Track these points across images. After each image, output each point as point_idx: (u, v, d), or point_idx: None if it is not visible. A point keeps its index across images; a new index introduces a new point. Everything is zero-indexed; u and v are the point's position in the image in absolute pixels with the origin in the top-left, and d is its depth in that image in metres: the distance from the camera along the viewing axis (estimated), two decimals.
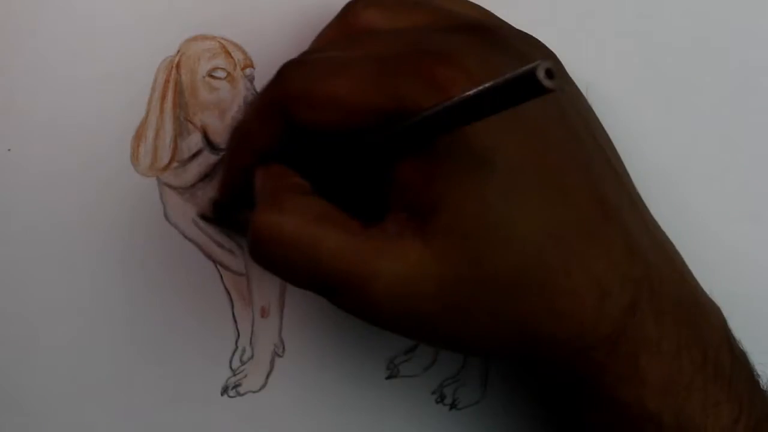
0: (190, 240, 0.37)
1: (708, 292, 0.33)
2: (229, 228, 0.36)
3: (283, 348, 0.37)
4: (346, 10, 0.32)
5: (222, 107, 0.36)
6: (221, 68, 0.36)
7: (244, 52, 0.37)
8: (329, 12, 0.37)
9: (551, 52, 0.33)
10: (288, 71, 0.30)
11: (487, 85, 0.23)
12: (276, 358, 0.37)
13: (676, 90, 0.37)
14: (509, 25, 0.34)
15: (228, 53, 0.37)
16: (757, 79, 0.37)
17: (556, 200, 0.28)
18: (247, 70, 0.37)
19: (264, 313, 0.37)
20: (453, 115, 0.25)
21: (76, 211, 0.36)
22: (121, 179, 0.36)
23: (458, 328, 0.29)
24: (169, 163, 0.36)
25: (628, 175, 0.33)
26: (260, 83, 0.37)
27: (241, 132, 0.34)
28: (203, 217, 0.36)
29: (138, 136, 0.36)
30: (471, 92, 0.24)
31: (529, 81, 0.22)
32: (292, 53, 0.36)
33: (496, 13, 0.34)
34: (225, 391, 0.37)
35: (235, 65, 0.37)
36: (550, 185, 0.28)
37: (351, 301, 0.28)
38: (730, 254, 0.37)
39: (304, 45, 0.36)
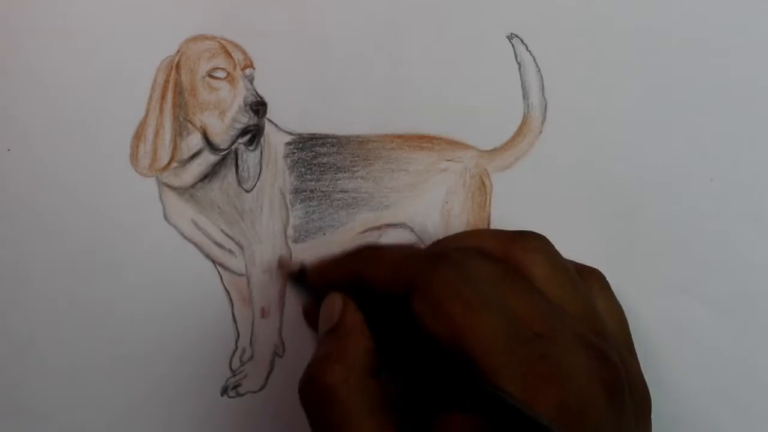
0: (190, 240, 0.37)
1: (707, 293, 0.33)
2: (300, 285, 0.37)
3: (283, 348, 0.37)
4: (518, 237, 0.32)
5: (222, 107, 0.36)
6: (221, 68, 0.36)
7: (244, 52, 0.37)
8: (329, 12, 0.37)
9: (649, 418, 0.33)
10: (447, 266, 0.30)
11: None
12: (276, 358, 0.37)
13: (676, 90, 0.37)
14: (634, 360, 0.34)
15: (228, 53, 0.37)
16: (758, 79, 0.37)
17: None
18: (247, 70, 0.37)
19: (264, 313, 0.37)
20: (520, 421, 0.26)
21: (76, 211, 0.36)
22: (121, 179, 0.36)
23: None
24: (169, 163, 0.36)
25: None
26: (260, 83, 0.37)
27: (370, 256, 0.33)
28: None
29: (138, 136, 0.36)
30: (549, 426, 0.25)
31: None
32: (292, 53, 0.37)
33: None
34: (225, 391, 0.37)
35: (235, 65, 0.37)
36: None
37: None
38: (730, 254, 0.36)
39: (304, 45, 0.36)
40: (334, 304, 0.32)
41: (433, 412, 0.29)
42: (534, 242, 0.32)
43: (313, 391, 0.30)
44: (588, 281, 0.34)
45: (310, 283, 0.35)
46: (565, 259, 0.33)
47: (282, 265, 0.37)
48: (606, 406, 0.29)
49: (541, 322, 0.29)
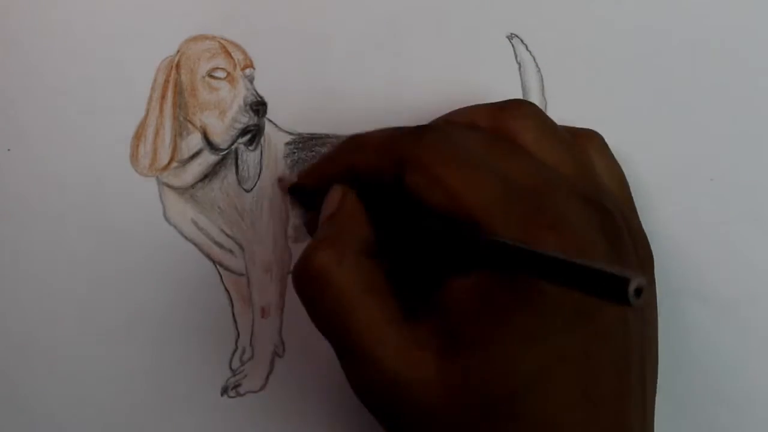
0: (190, 240, 0.37)
1: (707, 293, 0.33)
2: (300, 202, 0.36)
3: (283, 348, 0.37)
4: (505, 106, 0.32)
5: (222, 107, 0.36)
6: (221, 68, 0.36)
7: (244, 52, 0.37)
8: (329, 12, 0.37)
9: (653, 270, 0.33)
10: (431, 134, 0.30)
11: (577, 261, 0.24)
12: (276, 358, 0.37)
13: (676, 90, 0.37)
14: (636, 217, 0.34)
15: (228, 53, 0.37)
16: (758, 79, 0.37)
17: (581, 401, 0.28)
18: (247, 70, 0.37)
19: (264, 313, 0.37)
20: (530, 262, 0.26)
21: (76, 211, 0.36)
22: (121, 179, 0.36)
23: None
24: (169, 163, 0.36)
25: (653, 406, 0.33)
26: (260, 83, 0.37)
27: (356, 144, 0.33)
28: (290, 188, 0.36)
29: (138, 136, 0.36)
30: (558, 256, 0.24)
31: (618, 287, 0.22)
32: (292, 53, 0.37)
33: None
34: (225, 391, 0.37)
35: (235, 65, 0.37)
36: (580, 384, 0.28)
37: (351, 371, 0.30)
38: (730, 254, 0.36)
39: (304, 45, 0.36)
40: (334, 194, 0.32)
41: (437, 284, 0.29)
42: (522, 108, 0.32)
43: (306, 275, 0.29)
44: (584, 143, 0.33)
45: (308, 188, 0.35)
46: (556, 124, 0.33)
47: (281, 179, 0.36)
48: (608, 254, 0.29)
49: (535, 179, 0.29)
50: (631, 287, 0.21)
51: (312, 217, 0.35)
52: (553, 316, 0.27)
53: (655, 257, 0.34)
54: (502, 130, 0.31)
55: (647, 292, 0.22)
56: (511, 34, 0.37)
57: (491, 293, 0.28)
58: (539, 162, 0.30)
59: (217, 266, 0.37)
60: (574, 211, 0.29)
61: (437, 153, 0.29)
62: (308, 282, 0.29)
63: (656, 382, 0.32)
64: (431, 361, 0.28)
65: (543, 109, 0.37)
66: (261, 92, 0.37)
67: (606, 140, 0.35)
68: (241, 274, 0.37)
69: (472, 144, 0.30)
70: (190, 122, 0.36)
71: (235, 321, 0.37)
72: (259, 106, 0.36)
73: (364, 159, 0.32)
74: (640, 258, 0.31)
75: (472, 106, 0.33)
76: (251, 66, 0.37)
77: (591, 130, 0.35)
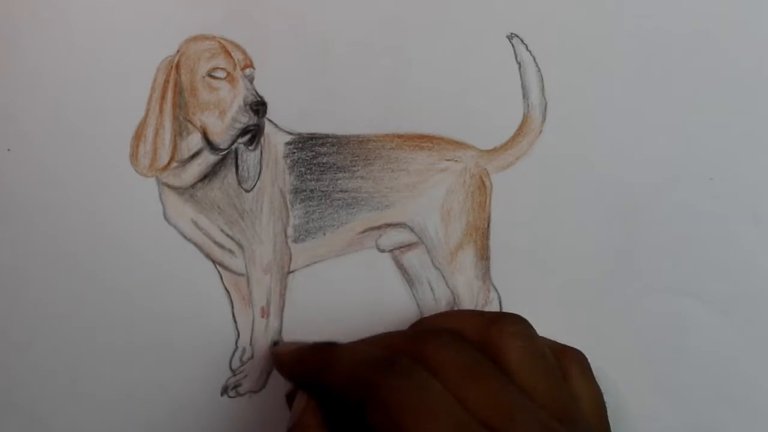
0: (190, 240, 0.37)
1: (707, 293, 0.33)
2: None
3: None
4: (499, 319, 0.33)
5: (222, 107, 0.36)
6: (221, 68, 0.36)
7: (244, 52, 0.37)
8: (329, 12, 0.37)
9: None
10: (395, 376, 0.31)
11: None
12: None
13: (677, 90, 0.37)
14: None
15: (228, 53, 0.37)
16: (758, 79, 0.37)
17: None
18: (247, 70, 0.37)
19: (264, 313, 0.37)
20: None
21: (76, 211, 0.36)
22: (121, 179, 0.36)
23: None
24: (169, 163, 0.36)
25: None
26: (260, 83, 0.37)
27: (327, 358, 0.34)
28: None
29: (137, 136, 0.36)
30: None
31: None
32: (292, 53, 0.37)
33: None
34: (225, 391, 0.37)
35: (235, 65, 0.37)
36: None
37: None
38: (730, 254, 0.36)
39: (304, 45, 0.36)
40: (297, 405, 0.33)
41: None
42: (512, 326, 0.33)
43: None
44: (566, 364, 0.34)
45: (280, 369, 0.36)
46: (545, 342, 0.34)
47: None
48: None
49: (501, 414, 0.30)
50: None
51: (292, 390, 0.36)
52: None
53: (654, 257, 0.34)
54: (490, 347, 0.32)
55: None
56: (511, 34, 0.37)
57: None
58: (512, 393, 0.31)
59: (217, 266, 0.37)
60: None
61: (397, 394, 0.30)
62: None
63: None
64: None
65: (543, 110, 0.37)
66: (261, 92, 0.37)
67: (606, 140, 0.35)
68: (241, 274, 0.37)
69: (443, 371, 0.31)
70: (190, 122, 0.36)
71: (235, 321, 0.37)
72: (259, 106, 0.36)
73: (331, 380, 0.32)
74: None
75: (465, 312, 0.35)
76: (251, 66, 0.37)
77: (576, 350, 0.35)
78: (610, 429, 0.35)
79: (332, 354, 0.34)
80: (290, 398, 0.35)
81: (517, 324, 0.33)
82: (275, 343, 0.37)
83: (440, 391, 0.31)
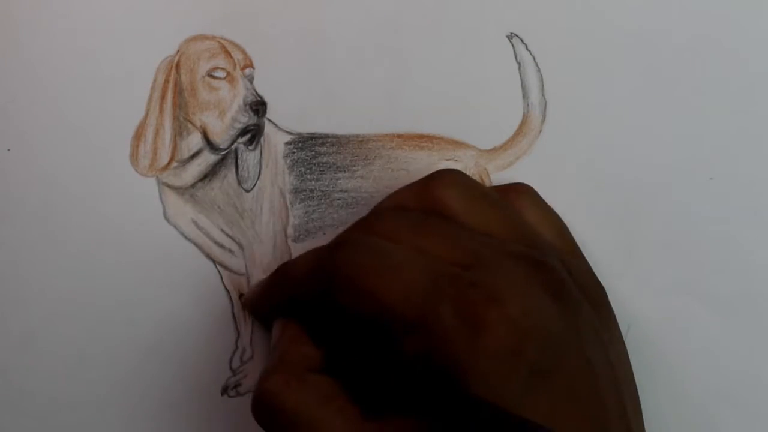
0: (190, 240, 0.37)
1: (707, 293, 0.33)
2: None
3: None
4: (430, 179, 0.33)
5: (222, 107, 0.36)
6: (221, 68, 0.36)
7: (243, 52, 0.37)
8: (329, 12, 0.37)
9: (609, 306, 0.34)
10: (348, 249, 0.30)
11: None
12: None
13: (677, 90, 0.37)
14: (581, 261, 0.34)
15: (228, 53, 0.37)
16: (758, 79, 0.37)
17: None
18: (247, 70, 0.37)
19: None
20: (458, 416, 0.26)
21: (76, 211, 0.36)
22: (121, 179, 0.36)
23: None
24: (169, 162, 0.37)
25: (641, 422, 0.33)
26: (260, 83, 0.37)
27: (284, 273, 0.34)
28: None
29: (137, 136, 0.36)
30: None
31: None
32: (292, 53, 0.37)
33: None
34: (225, 391, 0.37)
35: (235, 65, 0.37)
36: None
37: None
38: (730, 254, 0.36)
39: (304, 45, 0.36)
40: (275, 329, 0.33)
41: (393, 388, 0.29)
42: (445, 178, 0.32)
43: (261, 406, 0.30)
44: (514, 199, 0.34)
45: (252, 315, 0.36)
46: (483, 186, 0.33)
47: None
48: (554, 309, 0.29)
49: (464, 254, 0.29)
50: None
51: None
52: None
53: (654, 257, 0.34)
54: (430, 205, 0.32)
55: None
56: (511, 33, 0.37)
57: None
58: (469, 233, 0.31)
59: (217, 266, 0.37)
60: (509, 277, 0.29)
61: (355, 266, 0.30)
62: (264, 412, 0.30)
63: (640, 410, 0.33)
64: None
65: (543, 109, 0.37)
66: (261, 92, 0.37)
67: (606, 140, 0.35)
68: (241, 274, 0.37)
69: (394, 237, 0.30)
70: (190, 122, 0.37)
71: (235, 321, 0.37)
72: (258, 106, 0.36)
73: (295, 285, 0.32)
74: (593, 301, 0.32)
75: (400, 189, 0.33)
76: (251, 66, 0.37)
77: (520, 183, 0.35)
78: (577, 248, 0.34)
79: (286, 268, 0.34)
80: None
81: (449, 175, 0.33)
82: (241, 296, 0.37)
83: (398, 248, 0.30)
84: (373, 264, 0.29)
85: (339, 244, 0.31)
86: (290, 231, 0.37)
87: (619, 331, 0.34)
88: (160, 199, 0.36)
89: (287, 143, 0.37)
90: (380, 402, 0.29)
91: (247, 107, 0.36)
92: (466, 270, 0.29)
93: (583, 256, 0.35)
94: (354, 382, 0.30)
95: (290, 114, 0.37)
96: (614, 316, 0.34)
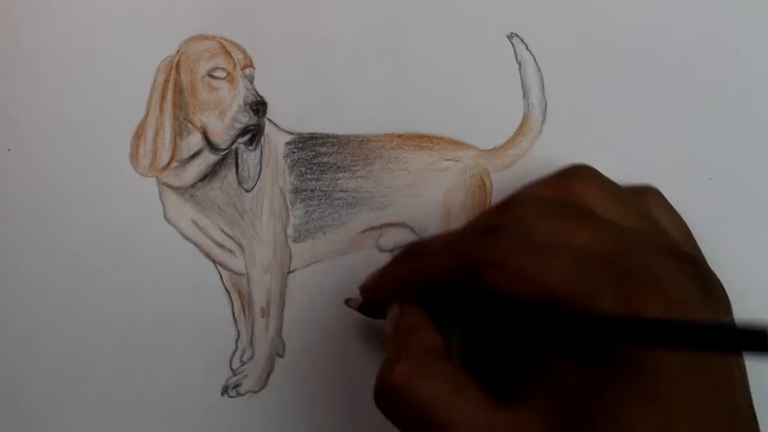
0: (190, 240, 0.37)
1: None
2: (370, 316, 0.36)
3: (284, 348, 0.37)
4: (567, 172, 0.32)
5: (222, 107, 0.36)
6: (221, 68, 0.36)
7: (244, 52, 0.37)
8: (329, 12, 0.37)
9: (731, 313, 0.33)
10: (498, 235, 0.30)
11: (695, 322, 0.24)
12: (276, 358, 0.37)
13: (676, 90, 0.37)
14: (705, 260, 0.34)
15: (228, 53, 0.37)
16: (757, 79, 0.37)
17: None
18: (247, 70, 0.37)
19: (264, 313, 0.37)
20: (638, 334, 0.26)
21: (76, 211, 0.36)
22: (121, 179, 0.36)
23: None
24: (169, 162, 0.37)
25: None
26: (260, 83, 0.37)
27: (416, 256, 0.32)
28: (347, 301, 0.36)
29: (137, 136, 0.36)
30: (672, 321, 0.25)
31: (756, 338, 0.21)
32: (292, 53, 0.37)
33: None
34: (225, 391, 0.37)
35: (235, 65, 0.37)
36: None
37: None
38: (730, 254, 0.36)
39: (304, 45, 0.36)
40: (392, 311, 0.32)
41: (532, 369, 0.29)
42: (583, 171, 0.32)
43: (387, 395, 0.29)
44: (645, 199, 0.34)
45: (371, 304, 0.34)
46: (617, 184, 0.33)
47: (349, 299, 0.36)
48: (703, 301, 0.28)
49: (615, 243, 0.29)
50: None
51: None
52: (664, 374, 0.27)
53: None
54: (569, 197, 0.31)
55: None
56: (511, 33, 0.37)
57: (593, 368, 0.27)
58: (614, 224, 0.30)
59: (217, 266, 0.37)
60: (663, 266, 0.29)
61: (510, 248, 0.29)
62: (392, 401, 0.29)
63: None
64: None
65: (543, 109, 0.37)
66: (261, 92, 0.37)
67: (606, 140, 0.35)
68: (241, 274, 0.37)
69: (543, 226, 0.30)
70: (190, 122, 0.36)
71: (235, 321, 0.37)
72: (259, 106, 0.36)
73: (430, 266, 0.31)
74: (719, 300, 0.31)
75: (534, 181, 0.33)
76: (251, 66, 0.37)
77: (649, 185, 0.35)
78: (702, 254, 0.34)
79: (424, 246, 0.32)
80: (363, 308, 0.35)
81: (586, 169, 0.32)
82: (347, 301, 0.36)
83: (550, 231, 0.29)
84: (528, 250, 0.29)
85: (487, 228, 0.30)
86: (290, 231, 0.37)
87: None
88: (160, 199, 0.36)
89: (287, 143, 0.37)
90: (510, 392, 0.29)
91: (248, 107, 0.36)
92: (618, 257, 0.29)
93: (706, 262, 0.34)
94: (483, 371, 0.30)
95: (290, 114, 0.37)
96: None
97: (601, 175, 0.33)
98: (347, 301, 0.36)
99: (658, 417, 0.27)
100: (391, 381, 0.29)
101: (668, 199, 0.35)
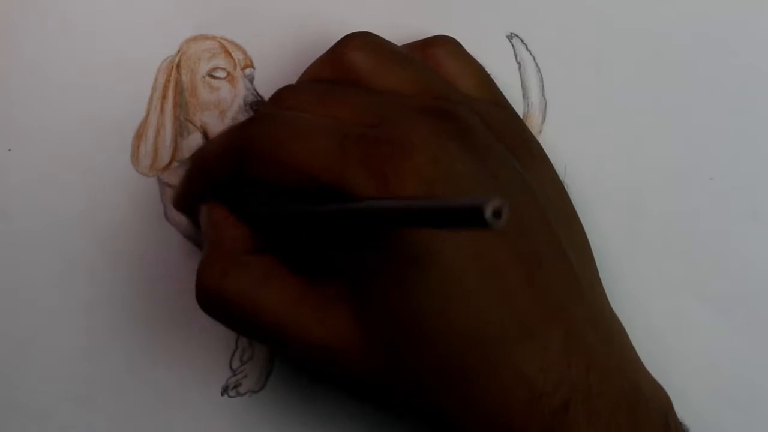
0: (190, 240, 0.37)
1: (707, 293, 0.33)
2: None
3: None
4: (338, 45, 0.33)
5: (222, 107, 0.37)
6: (221, 68, 0.36)
7: (244, 52, 0.37)
8: (329, 12, 0.37)
9: (538, 151, 0.34)
10: (257, 123, 0.31)
11: (430, 202, 0.24)
12: (276, 358, 0.37)
13: (676, 90, 0.37)
14: (501, 109, 0.34)
15: (228, 53, 0.37)
16: (757, 79, 0.37)
17: (492, 302, 0.28)
18: (247, 70, 0.37)
19: None
20: (390, 216, 0.26)
21: (76, 211, 0.36)
22: (122, 179, 0.36)
23: (378, 400, 0.31)
24: (170, 162, 0.37)
25: (588, 258, 0.34)
26: (260, 83, 0.37)
27: (200, 158, 0.34)
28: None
29: (138, 136, 0.36)
30: (412, 203, 0.25)
31: (474, 215, 0.21)
32: (292, 53, 0.37)
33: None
34: (225, 391, 0.37)
35: (235, 65, 0.37)
36: (488, 288, 0.28)
37: (287, 353, 0.31)
38: (730, 254, 0.36)
39: (304, 45, 0.36)
40: (201, 214, 0.33)
41: (329, 254, 0.30)
42: (352, 41, 0.32)
43: (203, 299, 0.30)
44: (433, 52, 0.34)
45: (181, 211, 0.35)
46: (393, 45, 0.33)
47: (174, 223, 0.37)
48: (461, 154, 0.29)
49: (369, 115, 0.29)
50: (487, 212, 0.21)
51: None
52: (439, 236, 0.28)
53: (654, 256, 0.34)
54: (342, 72, 0.32)
55: (507, 208, 0.21)
56: (511, 33, 0.37)
57: (374, 246, 0.28)
58: (373, 95, 0.31)
59: None
60: (415, 128, 0.29)
61: (266, 137, 0.30)
62: (208, 304, 0.30)
63: (581, 229, 0.33)
64: (347, 313, 0.29)
65: (543, 110, 0.37)
66: (261, 92, 0.37)
67: (606, 140, 0.35)
68: None
69: (310, 109, 0.30)
70: (191, 122, 0.37)
71: None
72: (259, 106, 0.37)
73: (211, 165, 0.32)
74: (513, 147, 0.32)
75: (315, 60, 0.34)
76: (251, 66, 0.37)
77: (443, 35, 0.35)
78: (502, 97, 0.35)
79: (200, 152, 0.34)
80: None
81: (356, 38, 0.32)
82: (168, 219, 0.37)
83: (306, 117, 0.30)
84: (282, 133, 0.29)
85: (249, 119, 0.31)
86: None
87: (554, 172, 0.34)
88: (161, 199, 0.36)
89: None
90: (318, 267, 0.30)
91: (248, 107, 0.36)
92: (371, 128, 0.29)
93: (508, 105, 0.35)
94: (287, 253, 0.30)
95: None
96: (545, 159, 0.34)
97: (374, 39, 0.33)
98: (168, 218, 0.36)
99: (434, 288, 0.28)
100: (202, 286, 0.30)
101: (669, 201, 0.35)
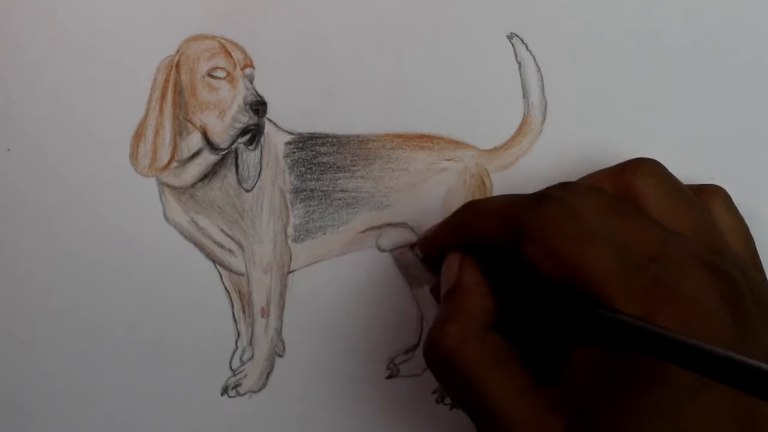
0: (190, 240, 0.37)
1: None
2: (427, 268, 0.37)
3: (284, 348, 0.37)
4: (630, 164, 0.33)
5: (222, 107, 0.36)
6: (221, 68, 0.36)
7: (244, 52, 0.37)
8: (329, 12, 0.37)
9: None
10: (548, 203, 0.30)
11: (725, 352, 0.24)
12: (276, 358, 0.37)
13: (676, 90, 0.37)
14: (759, 273, 0.34)
15: (228, 53, 0.37)
16: (758, 79, 0.37)
17: None
18: (247, 70, 0.37)
19: (264, 313, 0.37)
20: (666, 350, 0.26)
21: (76, 211, 0.36)
22: (121, 179, 0.36)
23: None
24: (169, 162, 0.36)
25: None
26: (260, 83, 0.37)
27: (473, 214, 0.33)
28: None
29: (137, 136, 0.36)
30: (704, 345, 0.25)
31: (758, 382, 0.21)
32: (292, 53, 0.37)
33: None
34: (225, 391, 0.37)
35: (235, 65, 0.37)
36: None
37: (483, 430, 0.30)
38: None
39: (304, 45, 0.36)
40: (451, 264, 0.33)
41: (562, 352, 0.29)
42: (644, 166, 0.32)
43: (435, 356, 0.30)
44: (707, 199, 0.34)
45: (424, 255, 0.35)
46: (679, 181, 0.33)
47: (402, 254, 0.37)
48: (728, 320, 0.28)
49: (653, 246, 0.29)
50: None
51: (437, 283, 0.35)
52: (676, 389, 0.27)
53: None
54: (625, 190, 0.32)
55: None
56: (511, 33, 0.37)
57: (613, 366, 0.28)
58: (658, 227, 0.31)
59: (217, 266, 0.37)
60: (693, 280, 0.29)
61: (554, 223, 0.30)
62: (438, 362, 0.31)
63: None
64: (563, 426, 0.28)
65: (543, 109, 0.37)
66: (261, 92, 0.37)
67: (606, 140, 0.35)
68: (241, 274, 0.37)
69: (591, 212, 0.30)
70: (190, 122, 0.36)
71: (235, 321, 0.37)
72: (259, 106, 0.36)
73: (482, 226, 0.32)
74: (764, 314, 0.31)
75: (598, 171, 0.33)
76: (251, 66, 0.37)
77: (715, 185, 0.35)
78: (759, 260, 0.34)
79: (481, 204, 0.33)
80: (435, 292, 0.35)
81: (650, 164, 0.32)
82: (412, 246, 0.37)
83: (596, 218, 0.30)
84: (572, 228, 0.29)
85: (542, 197, 0.31)
86: (290, 231, 0.37)
87: None
88: (160, 199, 0.36)
89: (287, 143, 0.37)
90: (543, 364, 0.30)
91: (247, 107, 0.36)
92: (652, 262, 0.29)
93: (764, 270, 0.34)
94: (528, 336, 0.31)
95: (290, 114, 0.37)
96: None
97: (664, 171, 0.33)
98: (412, 247, 0.37)
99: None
100: (440, 346, 0.30)
101: None
